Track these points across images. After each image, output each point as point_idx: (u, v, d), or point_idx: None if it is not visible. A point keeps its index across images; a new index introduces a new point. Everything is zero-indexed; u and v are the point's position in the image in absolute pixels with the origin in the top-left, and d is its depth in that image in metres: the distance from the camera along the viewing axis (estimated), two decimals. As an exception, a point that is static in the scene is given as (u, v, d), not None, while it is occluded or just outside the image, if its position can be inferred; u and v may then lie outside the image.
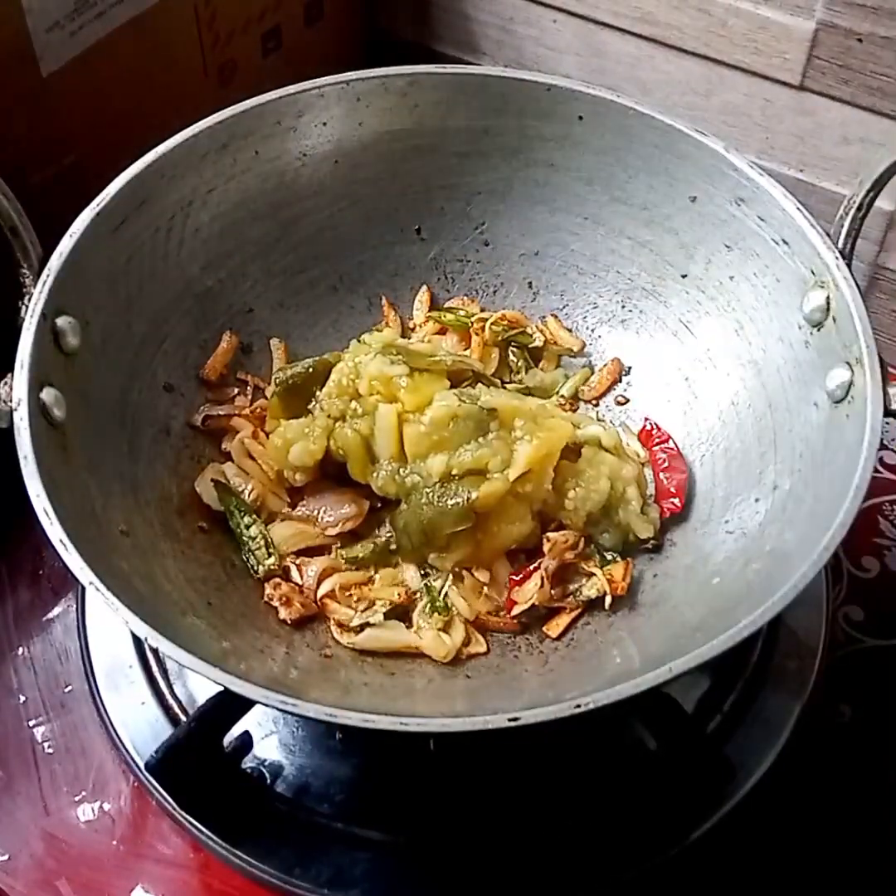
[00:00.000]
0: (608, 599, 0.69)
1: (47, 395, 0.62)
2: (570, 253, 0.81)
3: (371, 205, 0.80)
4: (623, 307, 0.81)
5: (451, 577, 0.70)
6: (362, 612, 0.70)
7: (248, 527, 0.72)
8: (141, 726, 0.72)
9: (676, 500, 0.73)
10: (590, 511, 0.70)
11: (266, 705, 0.53)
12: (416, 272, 0.82)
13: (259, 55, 1.00)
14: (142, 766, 0.69)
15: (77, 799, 0.72)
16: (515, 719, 0.51)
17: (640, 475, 0.74)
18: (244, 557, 0.71)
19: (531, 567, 0.70)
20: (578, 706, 0.52)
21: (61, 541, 0.56)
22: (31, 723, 0.75)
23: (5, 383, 0.61)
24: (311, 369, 0.74)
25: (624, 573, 0.70)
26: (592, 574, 0.70)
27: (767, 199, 0.70)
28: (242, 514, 0.72)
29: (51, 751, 0.74)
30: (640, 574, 0.71)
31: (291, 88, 0.75)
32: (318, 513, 0.73)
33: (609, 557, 0.71)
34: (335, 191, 0.79)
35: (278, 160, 0.77)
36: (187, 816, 0.67)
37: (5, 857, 0.70)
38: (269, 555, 0.71)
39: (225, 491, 0.73)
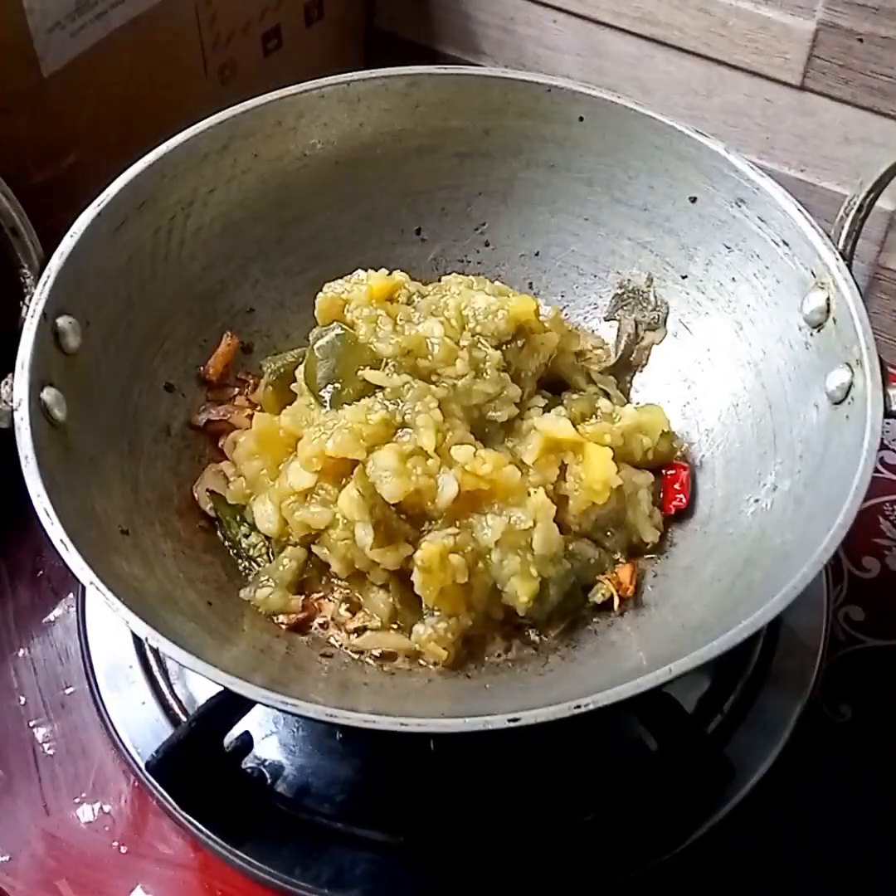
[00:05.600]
0: (616, 601, 0.69)
1: (48, 394, 0.62)
2: (570, 254, 0.81)
3: (371, 205, 0.80)
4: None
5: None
6: (361, 614, 0.70)
7: (246, 535, 0.72)
8: (141, 726, 0.72)
9: (682, 497, 0.73)
10: (599, 514, 0.70)
11: (266, 705, 0.53)
12: (417, 273, 0.81)
13: (259, 55, 0.99)
14: (142, 766, 0.69)
15: (77, 799, 0.72)
16: (515, 719, 0.51)
17: (652, 480, 0.73)
18: (245, 564, 0.71)
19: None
20: (578, 707, 0.52)
21: (62, 541, 0.56)
22: (32, 723, 0.75)
23: (6, 383, 0.61)
24: (301, 358, 0.73)
25: (630, 576, 0.70)
26: (598, 580, 0.70)
27: (768, 200, 0.70)
28: (239, 523, 0.72)
29: (51, 751, 0.74)
30: (640, 575, 0.71)
31: (292, 89, 0.75)
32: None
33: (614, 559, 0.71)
34: (336, 191, 0.79)
35: (279, 161, 0.77)
36: (187, 816, 0.68)
37: (5, 858, 0.70)
38: (270, 560, 0.71)
39: (221, 502, 0.73)
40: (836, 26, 0.87)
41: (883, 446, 0.86)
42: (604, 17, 0.98)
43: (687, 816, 0.68)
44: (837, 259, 0.65)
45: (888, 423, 0.61)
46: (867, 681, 0.77)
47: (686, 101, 0.99)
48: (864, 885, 0.70)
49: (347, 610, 0.70)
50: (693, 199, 0.75)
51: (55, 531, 0.56)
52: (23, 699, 0.77)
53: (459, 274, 0.77)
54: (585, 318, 0.82)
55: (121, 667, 0.75)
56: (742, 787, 0.68)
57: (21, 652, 0.79)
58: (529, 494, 0.67)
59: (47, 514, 0.56)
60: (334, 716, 0.52)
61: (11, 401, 0.60)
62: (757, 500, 0.68)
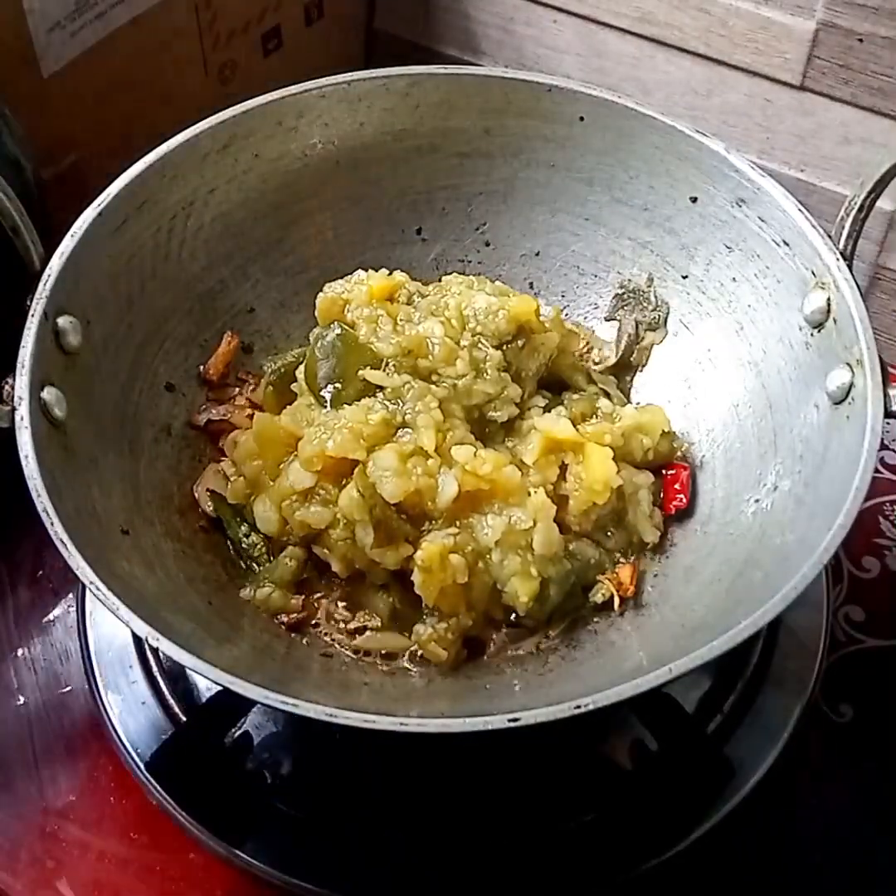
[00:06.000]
0: (617, 601, 0.69)
1: (48, 394, 0.62)
2: (570, 254, 0.81)
3: (372, 205, 0.80)
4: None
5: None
6: (362, 613, 0.70)
7: (246, 535, 0.71)
8: (141, 726, 0.72)
9: (682, 497, 0.73)
10: (599, 514, 0.70)
11: (266, 705, 0.53)
12: (417, 273, 0.81)
13: (259, 55, 1.00)
14: (142, 766, 0.69)
15: (77, 799, 0.72)
16: (515, 720, 0.51)
17: (652, 480, 0.73)
18: (245, 564, 0.71)
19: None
20: (578, 707, 0.51)
21: (62, 541, 0.56)
22: (32, 723, 0.75)
23: (7, 383, 0.61)
24: (302, 358, 0.73)
25: (631, 576, 0.70)
26: (598, 580, 0.70)
27: (768, 201, 0.70)
28: (239, 523, 0.72)
29: (51, 751, 0.74)
30: (640, 574, 0.71)
31: (293, 89, 0.75)
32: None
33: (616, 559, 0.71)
34: (336, 191, 0.79)
35: (279, 161, 0.77)
36: (187, 816, 0.67)
37: (5, 858, 0.70)
38: (270, 560, 0.71)
39: (221, 502, 0.72)
40: (836, 26, 0.87)
41: (883, 446, 0.86)
42: (604, 17, 0.98)
43: (687, 816, 0.68)
44: (838, 259, 0.65)
45: (888, 424, 0.61)
46: (867, 681, 0.77)
47: (686, 101, 0.99)
48: (864, 885, 0.70)
49: (347, 609, 0.70)
50: (694, 199, 0.75)
51: (56, 531, 0.56)
52: (23, 699, 0.77)
53: (460, 274, 0.77)
54: (586, 317, 0.82)
55: (121, 667, 0.75)
56: (742, 788, 0.68)
57: (21, 652, 0.79)
58: (529, 494, 0.67)
59: (48, 514, 0.56)
60: (334, 716, 0.52)
61: (12, 400, 0.60)
62: (757, 501, 0.68)
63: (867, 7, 0.85)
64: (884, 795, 0.73)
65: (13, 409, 0.59)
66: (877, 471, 0.85)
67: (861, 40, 0.87)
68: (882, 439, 0.59)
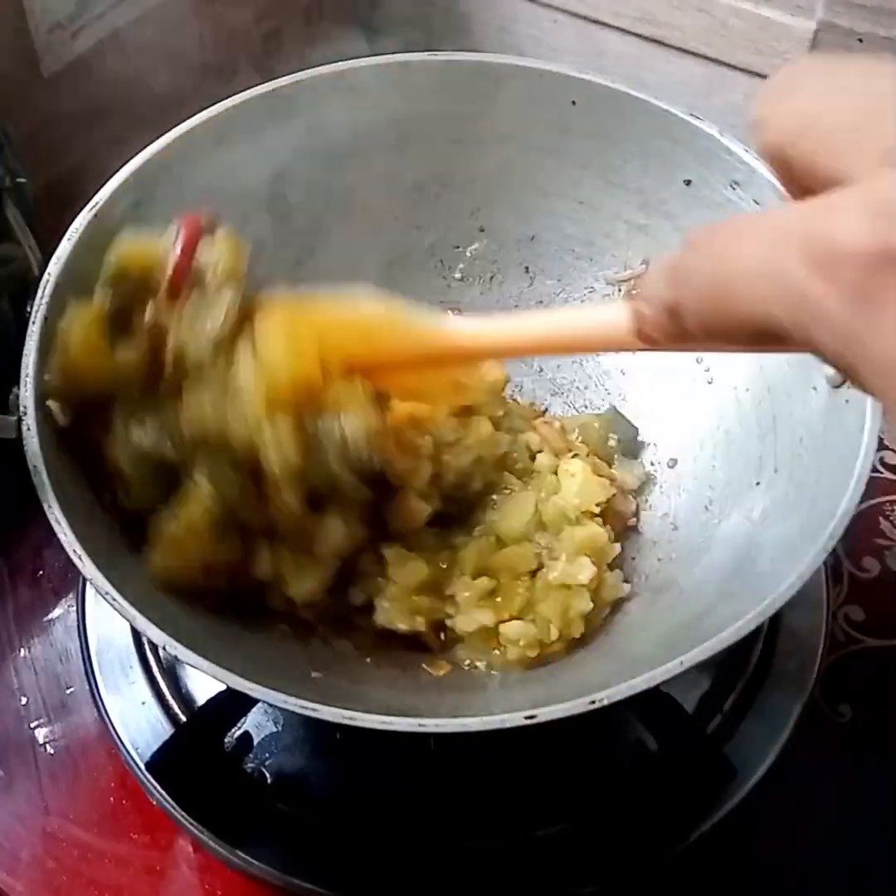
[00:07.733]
0: None
1: (53, 401, 0.61)
2: (565, 238, 0.80)
3: (366, 194, 0.80)
4: (620, 291, 0.80)
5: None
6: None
7: None
8: (141, 726, 0.72)
9: None
10: None
11: (286, 710, 0.53)
12: (413, 260, 0.81)
13: (260, 55, 1.00)
14: (142, 766, 0.69)
15: (77, 799, 0.72)
16: (532, 717, 0.51)
17: None
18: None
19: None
20: (593, 702, 0.51)
21: (76, 552, 0.55)
22: (32, 724, 0.75)
23: (13, 394, 0.60)
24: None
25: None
26: None
27: (762, 183, 0.69)
28: None
29: (51, 751, 0.74)
30: (644, 559, 0.71)
31: (284, 80, 0.74)
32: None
33: None
34: (330, 181, 0.78)
35: (273, 153, 0.76)
36: (187, 816, 0.67)
37: (6, 858, 0.70)
38: None
39: None
40: (836, 26, 0.87)
41: (883, 446, 0.86)
42: (604, 17, 0.98)
43: (687, 816, 0.68)
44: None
45: (889, 426, 0.61)
46: (867, 681, 0.77)
47: (686, 101, 0.98)
48: (864, 886, 0.70)
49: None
50: (688, 182, 0.74)
51: (69, 541, 0.55)
52: (24, 699, 0.77)
53: (455, 262, 0.77)
54: (582, 301, 0.81)
55: (121, 667, 0.75)
56: (742, 788, 0.68)
57: (21, 652, 0.79)
58: None
59: (60, 526, 0.55)
60: (353, 719, 0.51)
61: (17, 410, 0.59)
62: (758, 483, 0.67)
63: (867, 7, 0.85)
64: (884, 795, 0.73)
65: (19, 419, 0.59)
66: (877, 471, 0.85)
67: (861, 40, 0.87)
68: (881, 439, 0.59)
